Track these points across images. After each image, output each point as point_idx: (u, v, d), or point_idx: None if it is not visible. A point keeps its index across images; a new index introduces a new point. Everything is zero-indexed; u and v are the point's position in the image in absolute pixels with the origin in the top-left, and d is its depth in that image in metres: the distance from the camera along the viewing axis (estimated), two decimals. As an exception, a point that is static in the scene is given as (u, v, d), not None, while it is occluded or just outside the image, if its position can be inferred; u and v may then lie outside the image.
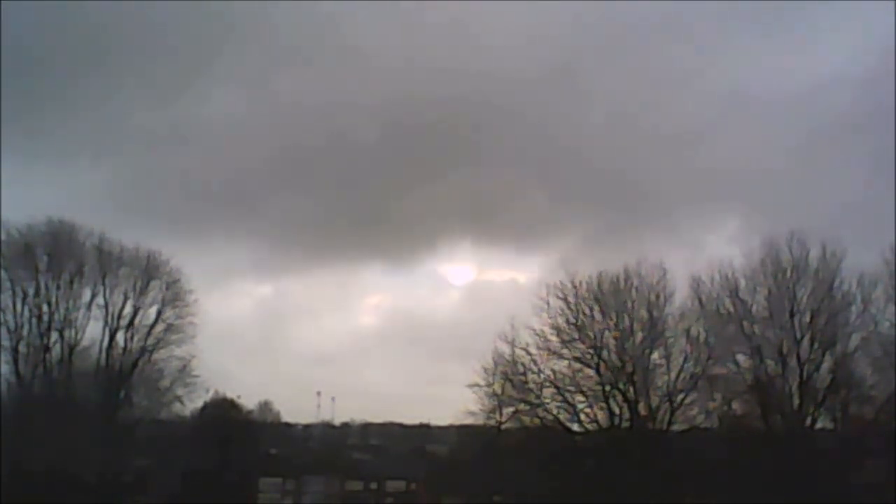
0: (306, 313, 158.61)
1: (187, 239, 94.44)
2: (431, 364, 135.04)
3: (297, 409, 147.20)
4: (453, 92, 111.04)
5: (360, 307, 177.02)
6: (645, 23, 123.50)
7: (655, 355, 48.34)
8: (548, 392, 49.51)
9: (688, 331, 48.12)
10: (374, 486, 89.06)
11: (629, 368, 47.88)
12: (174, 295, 56.95)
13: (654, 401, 48.03)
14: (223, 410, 77.31)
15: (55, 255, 55.05)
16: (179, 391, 57.57)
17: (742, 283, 48.02)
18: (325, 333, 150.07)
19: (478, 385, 49.75)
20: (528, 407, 49.98)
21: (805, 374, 46.18)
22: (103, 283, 55.67)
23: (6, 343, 54.41)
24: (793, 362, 46.36)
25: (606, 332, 48.74)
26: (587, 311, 48.91)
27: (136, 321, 56.19)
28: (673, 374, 47.77)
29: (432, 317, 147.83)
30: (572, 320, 48.82)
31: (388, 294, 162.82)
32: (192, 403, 61.91)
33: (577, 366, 48.88)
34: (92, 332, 55.68)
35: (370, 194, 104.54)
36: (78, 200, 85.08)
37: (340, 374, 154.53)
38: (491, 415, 51.62)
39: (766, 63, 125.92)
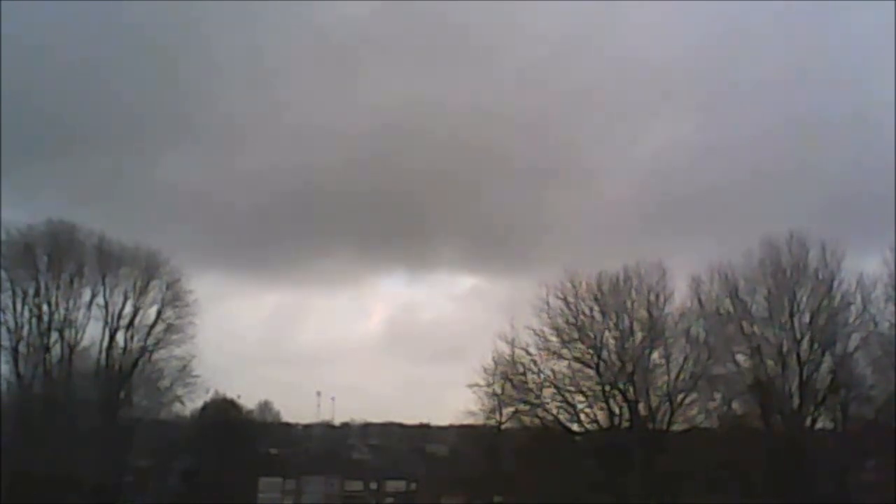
0: (307, 314, 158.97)
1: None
2: (430, 364, 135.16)
3: (297, 409, 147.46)
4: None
5: (360, 309, 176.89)
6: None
7: (655, 355, 48.41)
8: (548, 392, 49.61)
9: (688, 331, 48.18)
10: (373, 486, 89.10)
11: (629, 368, 47.89)
12: (174, 295, 56.95)
13: (654, 401, 48.05)
14: (223, 410, 77.33)
15: (55, 255, 55.00)
16: (179, 391, 57.66)
17: (742, 283, 48.12)
18: (326, 334, 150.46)
19: (478, 385, 49.91)
20: (528, 407, 50.04)
21: (805, 374, 46.21)
22: (103, 283, 55.68)
23: (6, 343, 54.43)
24: (793, 362, 46.39)
25: (606, 332, 48.80)
26: (587, 311, 48.98)
27: (136, 321, 56.21)
28: (673, 374, 47.84)
29: (431, 318, 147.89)
30: (572, 320, 48.91)
31: (388, 296, 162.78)
32: (192, 403, 62.10)
33: (577, 366, 48.94)
34: (92, 332, 55.72)
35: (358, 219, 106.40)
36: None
37: (340, 374, 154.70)
38: (491, 415, 51.74)
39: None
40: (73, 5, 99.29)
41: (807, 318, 46.65)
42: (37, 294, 54.60)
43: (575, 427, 49.98)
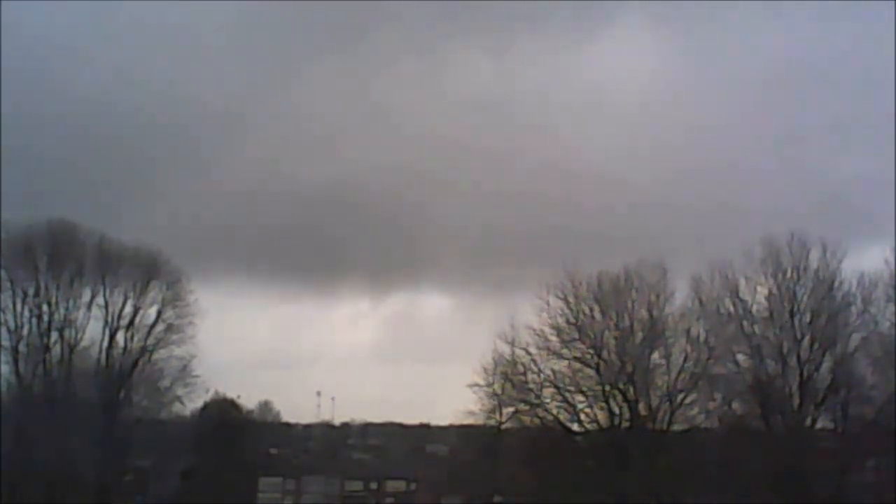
0: (307, 316, 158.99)
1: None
2: (431, 364, 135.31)
3: (297, 409, 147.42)
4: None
5: (360, 309, 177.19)
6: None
7: (655, 355, 48.34)
8: (548, 392, 49.56)
9: (688, 331, 48.16)
10: (374, 486, 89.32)
11: (629, 368, 47.84)
12: (174, 295, 56.87)
13: (654, 401, 48.02)
14: (223, 410, 77.35)
15: (55, 255, 54.93)
16: (179, 391, 57.55)
17: (742, 283, 48.12)
18: (326, 334, 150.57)
19: (478, 385, 49.92)
20: (528, 407, 50.01)
21: (805, 374, 46.20)
22: (103, 283, 55.60)
23: (6, 343, 54.39)
24: (793, 362, 46.39)
25: (606, 332, 48.72)
26: (587, 311, 48.90)
27: (136, 321, 56.09)
28: (673, 374, 47.78)
29: (432, 318, 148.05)
30: (572, 320, 48.82)
31: (388, 296, 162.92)
32: (192, 403, 61.91)
33: (577, 366, 48.87)
34: (92, 332, 55.61)
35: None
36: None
37: (340, 374, 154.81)
38: (491, 415, 51.72)
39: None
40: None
41: (807, 318, 46.64)
42: (37, 294, 54.57)
43: (575, 427, 49.96)
